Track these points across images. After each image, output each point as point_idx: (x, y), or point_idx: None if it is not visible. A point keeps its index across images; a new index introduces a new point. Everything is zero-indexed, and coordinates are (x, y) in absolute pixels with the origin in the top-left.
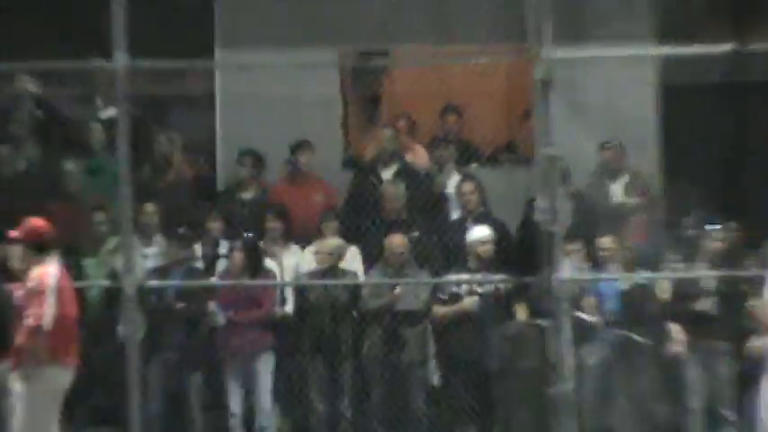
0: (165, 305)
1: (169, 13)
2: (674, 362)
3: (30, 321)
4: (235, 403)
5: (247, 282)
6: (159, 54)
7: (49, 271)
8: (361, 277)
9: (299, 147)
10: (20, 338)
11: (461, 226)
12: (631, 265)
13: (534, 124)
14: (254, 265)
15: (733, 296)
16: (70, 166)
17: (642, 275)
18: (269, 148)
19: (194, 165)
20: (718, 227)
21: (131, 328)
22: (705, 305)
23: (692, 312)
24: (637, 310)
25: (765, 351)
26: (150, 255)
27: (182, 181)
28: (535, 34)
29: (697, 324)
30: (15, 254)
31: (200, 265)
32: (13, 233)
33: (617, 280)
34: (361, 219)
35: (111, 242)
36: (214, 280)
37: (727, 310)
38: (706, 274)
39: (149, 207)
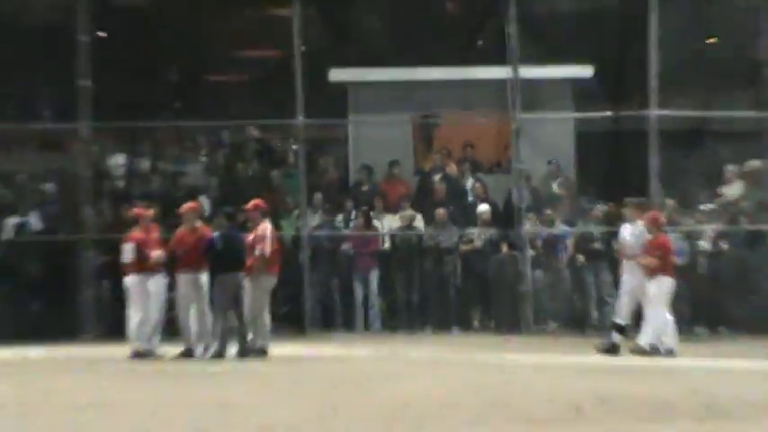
0: (322, 245)
1: (325, 92)
2: (580, 272)
3: (258, 252)
4: (357, 294)
5: (365, 233)
6: (321, 115)
7: (267, 226)
8: (423, 231)
9: (392, 163)
10: (250, 261)
11: (474, 205)
12: (549, 222)
13: (512, 152)
14: (368, 223)
15: (609, 240)
16: (275, 173)
17: (564, 229)
18: (376, 164)
19: (338, 173)
20: (599, 204)
21: (304, 256)
22: (593, 245)
23: (589, 248)
24: (551, 247)
25: (622, 270)
26: (315, 219)
27: (332, 181)
28: (512, 104)
29: (592, 253)
30: (249, 217)
31: (340, 224)
32: (248, 207)
33: (549, 232)
34: (423, 201)
35: (295, 213)
36: (347, 232)
37: (607, 247)
38: (595, 229)
39: (317, 195)
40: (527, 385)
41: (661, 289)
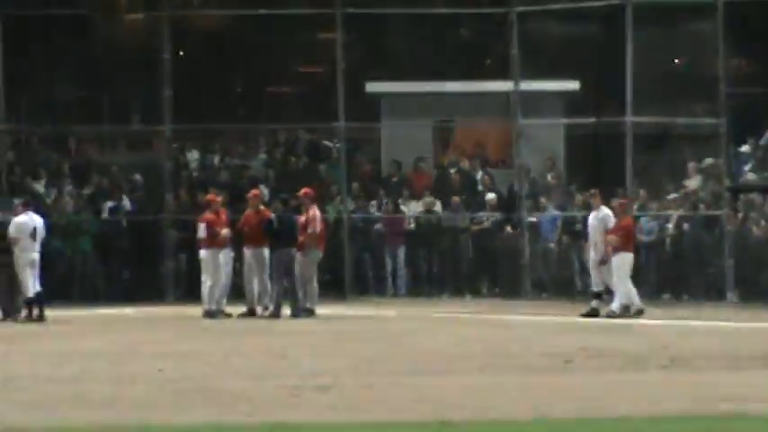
0: (359, 225)
1: (362, 101)
2: (566, 249)
3: (310, 230)
4: (387, 266)
5: (394, 215)
6: (358, 119)
7: (316, 210)
8: (441, 214)
9: (418, 159)
10: (302, 237)
11: (483, 193)
12: (542, 208)
13: (514, 151)
14: (396, 208)
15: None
16: (322, 166)
17: (554, 213)
18: (403, 159)
19: (372, 167)
20: (578, 193)
21: (344, 235)
22: (575, 226)
23: (572, 229)
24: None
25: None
26: (353, 204)
27: (367, 173)
28: (514, 112)
29: (574, 233)
30: (301, 203)
31: (374, 208)
32: (300, 194)
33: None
34: (442, 190)
35: (338, 199)
36: (377, 214)
37: (585, 227)
38: (578, 214)
39: (355, 185)
40: (525, 340)
41: (623, 262)
